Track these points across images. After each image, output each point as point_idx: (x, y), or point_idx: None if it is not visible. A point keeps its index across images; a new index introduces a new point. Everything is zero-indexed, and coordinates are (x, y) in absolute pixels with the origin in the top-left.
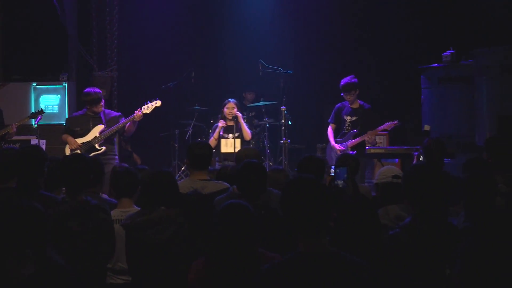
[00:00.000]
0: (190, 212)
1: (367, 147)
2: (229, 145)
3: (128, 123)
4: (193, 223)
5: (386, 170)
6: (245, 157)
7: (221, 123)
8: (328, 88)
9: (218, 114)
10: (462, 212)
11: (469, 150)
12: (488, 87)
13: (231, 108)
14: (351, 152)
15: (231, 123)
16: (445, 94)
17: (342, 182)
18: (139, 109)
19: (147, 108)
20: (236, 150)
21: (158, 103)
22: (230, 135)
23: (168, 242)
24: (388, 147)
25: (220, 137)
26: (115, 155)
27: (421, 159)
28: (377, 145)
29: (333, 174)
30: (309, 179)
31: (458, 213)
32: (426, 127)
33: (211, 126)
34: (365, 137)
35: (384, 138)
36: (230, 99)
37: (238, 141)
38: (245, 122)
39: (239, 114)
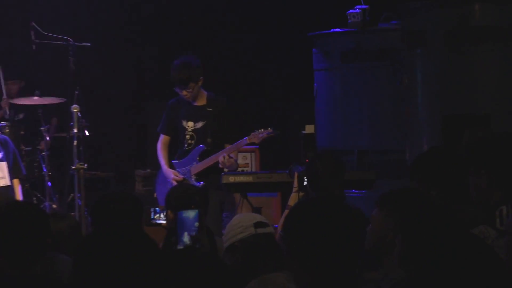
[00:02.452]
0: None
1: (222, 174)
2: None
3: None
4: None
5: (242, 219)
6: None
7: None
8: (159, 74)
9: None
10: (382, 279)
11: (396, 174)
12: (426, 67)
13: None
14: (197, 184)
15: None
16: (354, 80)
17: (189, 237)
18: None
19: None
20: None
21: None
22: None
23: None
24: (259, 172)
25: None
26: None
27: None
28: (241, 169)
29: (161, 221)
30: (121, 231)
31: (378, 283)
32: (308, 128)
33: None
34: (219, 157)
35: (252, 156)
36: None
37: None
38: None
39: None
